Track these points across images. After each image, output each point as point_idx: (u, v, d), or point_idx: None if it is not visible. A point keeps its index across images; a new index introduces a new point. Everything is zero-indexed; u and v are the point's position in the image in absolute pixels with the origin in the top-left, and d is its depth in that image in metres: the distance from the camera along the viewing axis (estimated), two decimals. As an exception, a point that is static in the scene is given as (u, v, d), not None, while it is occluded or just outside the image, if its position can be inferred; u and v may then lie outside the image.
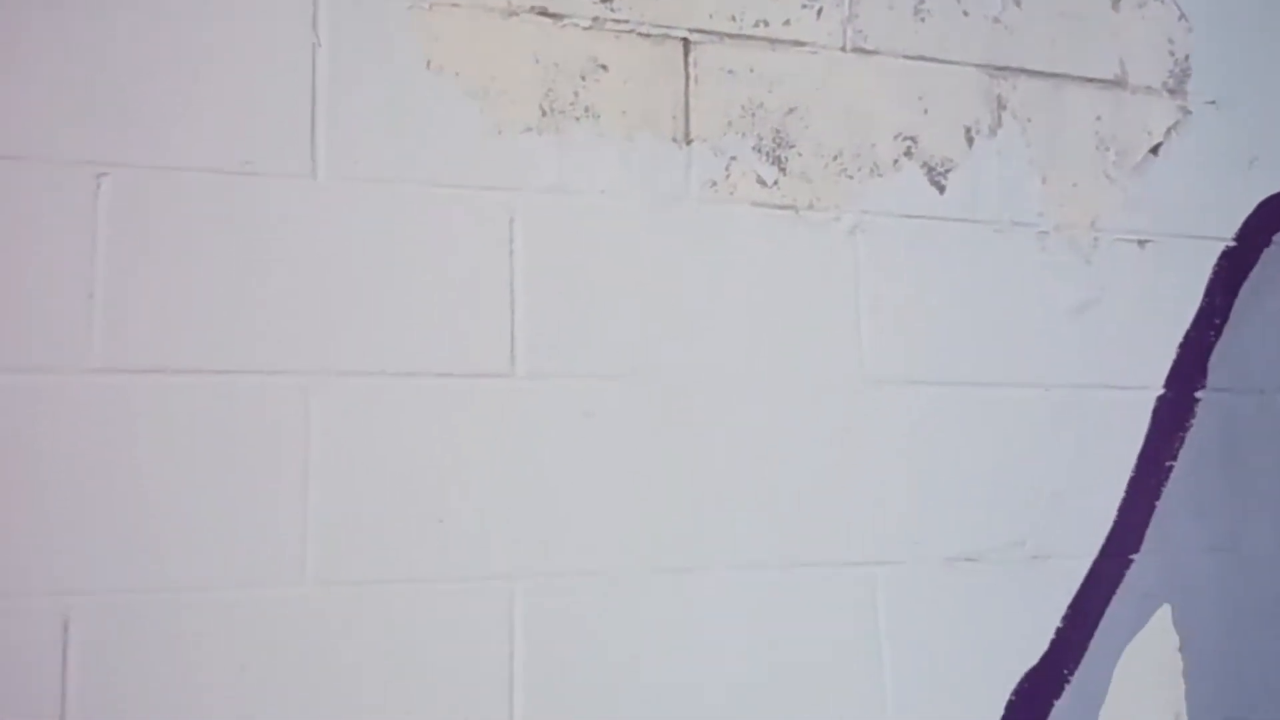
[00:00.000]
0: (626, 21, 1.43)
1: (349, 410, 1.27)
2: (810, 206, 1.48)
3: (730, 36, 1.48)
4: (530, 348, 1.34)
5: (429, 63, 1.36)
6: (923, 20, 1.56)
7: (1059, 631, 1.49)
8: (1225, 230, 1.69)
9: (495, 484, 1.30)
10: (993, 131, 1.57)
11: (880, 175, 1.52)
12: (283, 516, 1.22)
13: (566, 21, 1.41)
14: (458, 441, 1.30)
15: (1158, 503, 1.57)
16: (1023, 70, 1.60)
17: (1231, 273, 1.68)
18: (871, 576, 1.42)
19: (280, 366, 1.26)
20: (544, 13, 1.41)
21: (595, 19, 1.42)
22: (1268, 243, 1.71)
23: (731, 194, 1.45)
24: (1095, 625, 1.51)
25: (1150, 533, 1.56)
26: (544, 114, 1.39)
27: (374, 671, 1.21)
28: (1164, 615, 1.54)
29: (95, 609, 1.14)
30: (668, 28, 1.45)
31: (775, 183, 1.47)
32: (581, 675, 1.28)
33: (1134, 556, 1.55)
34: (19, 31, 1.21)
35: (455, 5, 1.38)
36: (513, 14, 1.39)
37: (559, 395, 1.34)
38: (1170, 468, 1.59)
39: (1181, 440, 1.61)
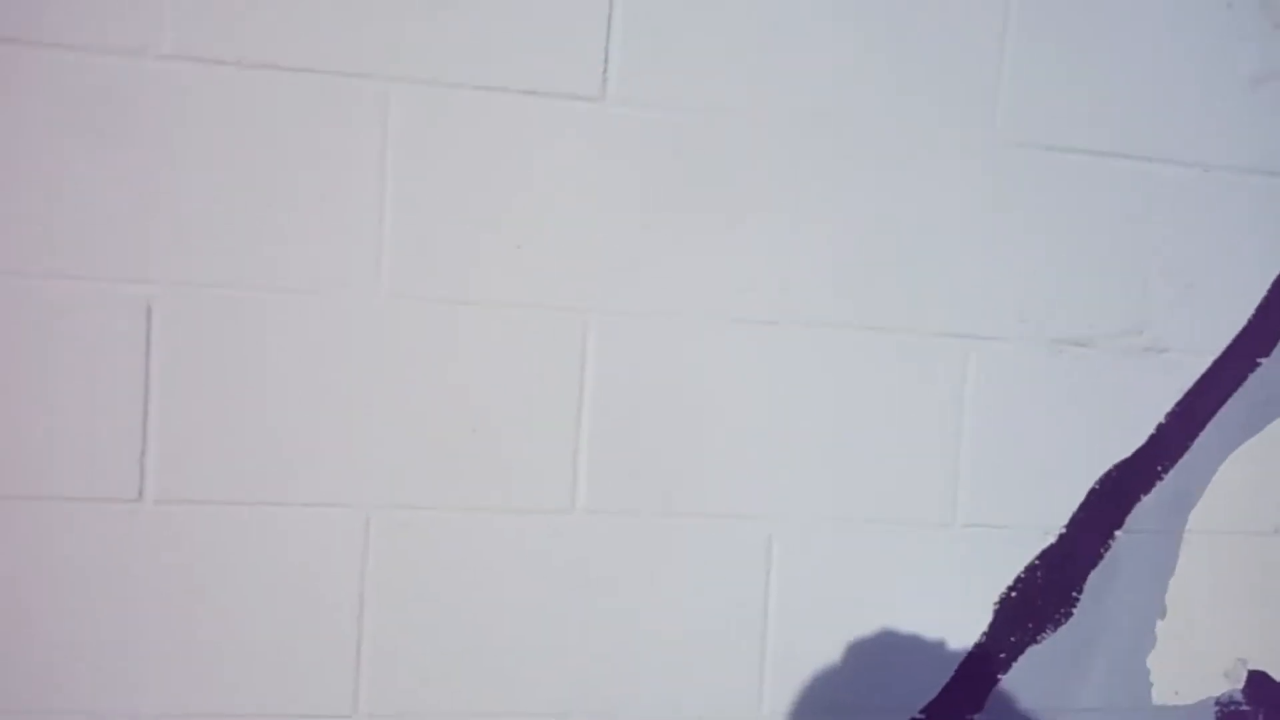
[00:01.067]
0: None
1: (431, 121, 1.20)
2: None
3: None
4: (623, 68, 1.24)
5: None
6: None
7: (1160, 427, 1.40)
8: None
9: (583, 206, 1.24)
10: None
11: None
12: (360, 226, 1.19)
13: None
14: (546, 162, 1.23)
15: (1303, 305, 1.43)
16: None
17: None
18: (965, 349, 1.34)
19: (358, 69, 1.19)
20: None
21: None
22: None
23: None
24: (1203, 425, 1.41)
25: (1287, 336, 1.43)
26: None
27: (440, 383, 1.21)
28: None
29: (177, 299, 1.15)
30: None
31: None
32: (649, 407, 1.26)
33: (1262, 360, 1.43)
34: None
35: None
36: None
37: (650, 124, 1.25)
38: (1326, 269, 1.43)
39: (1346, 238, 1.43)
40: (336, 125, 1.17)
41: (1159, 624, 1.42)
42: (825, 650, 1.32)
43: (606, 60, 1.22)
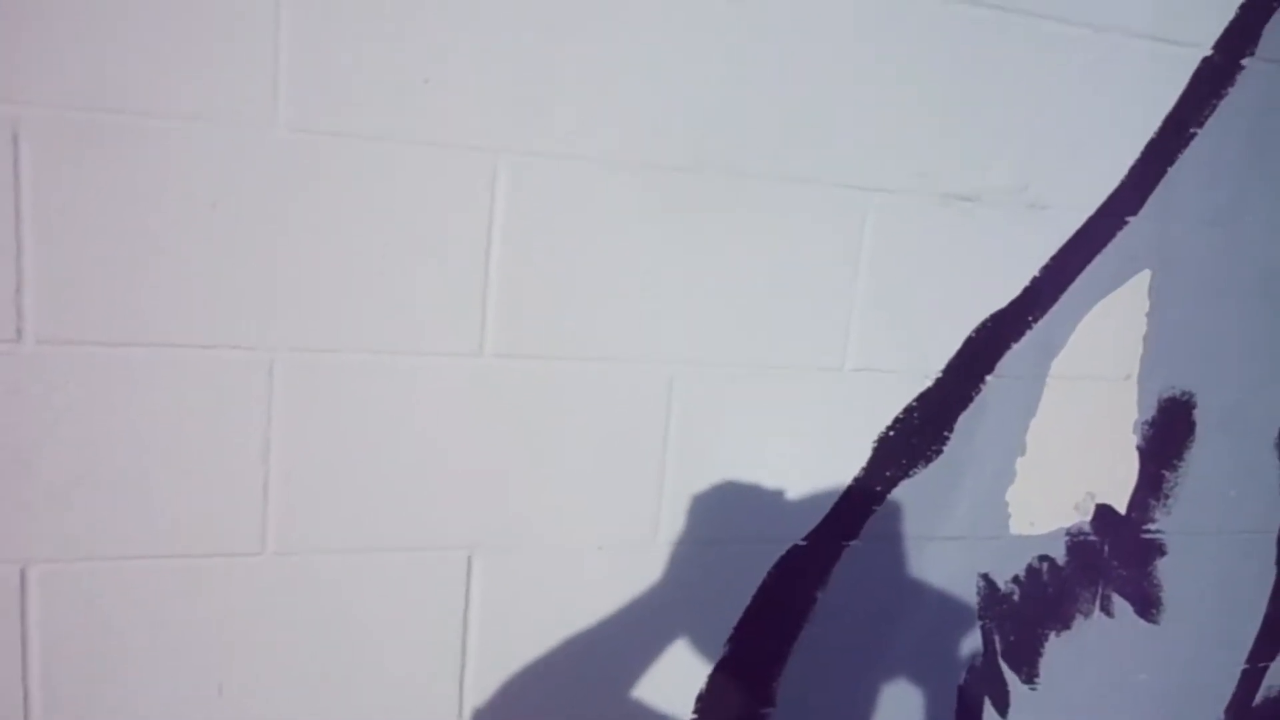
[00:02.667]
0: None
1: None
2: None
3: None
4: None
5: None
6: None
7: (1034, 280, 1.49)
8: None
9: (486, 50, 1.19)
10: None
11: None
12: (256, 58, 1.11)
13: None
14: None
15: (1170, 169, 1.52)
16: None
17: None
18: (864, 201, 1.38)
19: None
20: None
21: None
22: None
23: None
24: (1072, 278, 1.51)
25: (1154, 198, 1.52)
26: None
27: (339, 217, 1.18)
28: (1142, 279, 1.55)
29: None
30: None
31: None
32: (558, 254, 1.26)
33: (1130, 218, 1.52)
34: None
35: None
36: None
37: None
38: (1193, 135, 1.52)
39: (1213, 108, 1.52)
40: None
41: (1019, 461, 1.55)
42: (719, 484, 1.39)
43: None
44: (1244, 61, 1.53)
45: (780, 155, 1.32)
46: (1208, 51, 1.50)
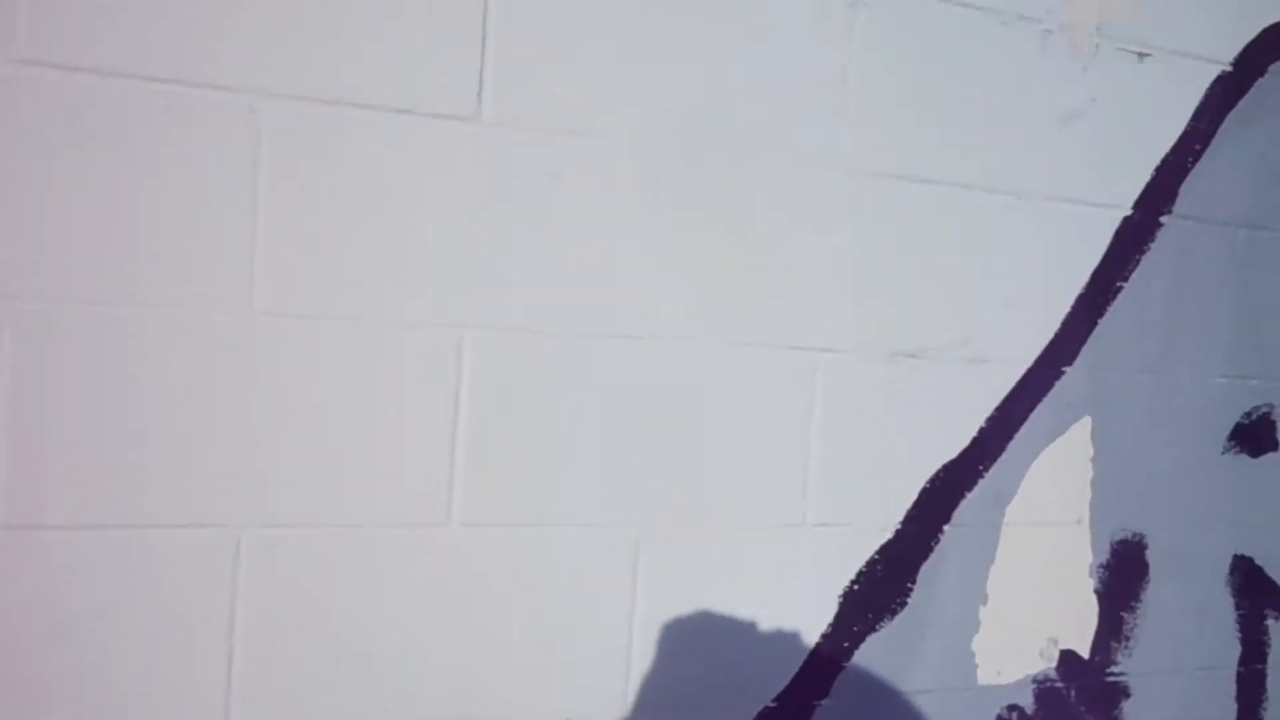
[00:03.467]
0: None
1: (298, 139, 1.18)
2: (813, -30, 1.37)
3: None
4: (499, 90, 1.25)
5: None
6: None
7: (981, 430, 1.54)
8: (1225, 54, 1.63)
9: (458, 233, 1.25)
10: (1015, -89, 1.46)
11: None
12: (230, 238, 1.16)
13: None
14: (417, 185, 1.24)
15: (1100, 320, 1.60)
16: None
17: (1223, 98, 1.64)
18: (814, 362, 1.43)
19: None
20: None
21: None
22: (1263, 71, 1.66)
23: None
24: (1017, 428, 1.57)
25: (1087, 348, 1.60)
26: None
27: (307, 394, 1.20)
28: (1084, 426, 1.61)
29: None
30: None
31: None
32: (522, 421, 1.29)
33: (1066, 369, 1.59)
34: None
35: None
36: None
37: (526, 149, 1.27)
38: (1120, 288, 1.61)
39: (1137, 262, 1.62)
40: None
41: (981, 609, 1.57)
42: (686, 648, 1.39)
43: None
44: (1162, 219, 1.64)
45: (729, 321, 1.38)
46: (1128, 211, 1.61)
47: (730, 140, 1.35)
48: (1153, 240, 1.63)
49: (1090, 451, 1.62)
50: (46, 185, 1.08)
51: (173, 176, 1.11)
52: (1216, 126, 1.63)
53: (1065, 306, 1.58)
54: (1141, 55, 1.58)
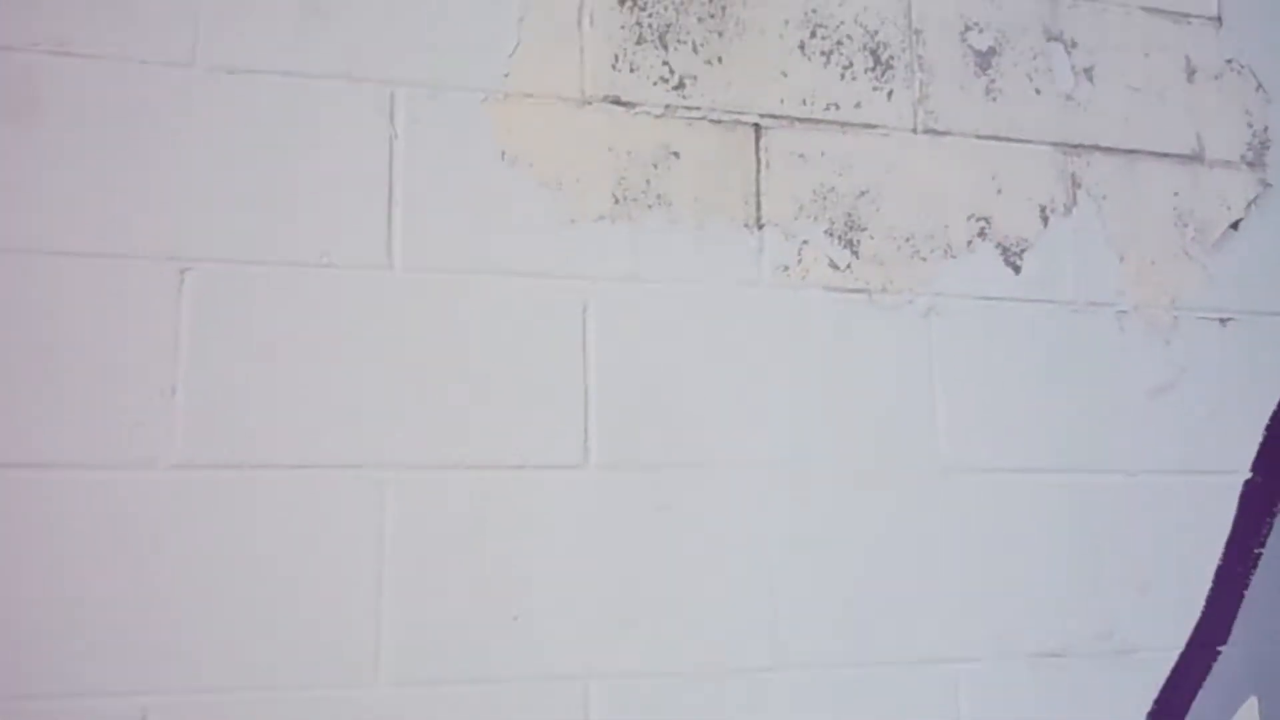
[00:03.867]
0: (698, 109, 1.44)
1: (424, 503, 1.27)
2: (884, 289, 1.47)
3: (801, 121, 1.47)
4: (604, 437, 1.33)
5: (503, 153, 1.37)
6: (994, 100, 1.55)
7: (1145, 728, 1.44)
8: (1310, 307, 1.65)
9: (570, 578, 1.29)
10: (1068, 210, 1.55)
11: (954, 256, 1.50)
12: (360, 622, 1.21)
13: (639, 110, 1.42)
14: (533, 531, 1.29)
15: (1246, 592, 1.52)
16: (1096, 147, 1.58)
17: (1319, 351, 1.63)
18: (953, 675, 1.38)
19: (356, 460, 1.26)
20: (617, 101, 1.41)
21: (668, 106, 1.43)
22: (1353, 317, 1.66)
23: (804, 278, 1.44)
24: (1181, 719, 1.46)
25: (1239, 623, 1.51)
26: (617, 202, 1.40)
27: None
28: (1250, 707, 1.49)
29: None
30: (739, 113, 1.45)
31: (848, 266, 1.46)
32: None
33: (1222, 648, 1.50)
34: (103, 130, 1.24)
35: (529, 96, 1.39)
36: (586, 103, 1.40)
37: (633, 487, 1.33)
38: (1259, 555, 1.54)
39: (1270, 526, 1.56)
40: (334, 518, 1.22)
41: None
42: None
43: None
44: (1285, 475, 1.59)
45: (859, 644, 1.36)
46: (1247, 474, 1.57)
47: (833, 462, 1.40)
48: (1281, 501, 1.57)
49: (1267, 737, 1.49)
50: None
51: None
52: (1319, 379, 1.62)
53: (1205, 582, 1.51)
54: (1224, 320, 1.60)
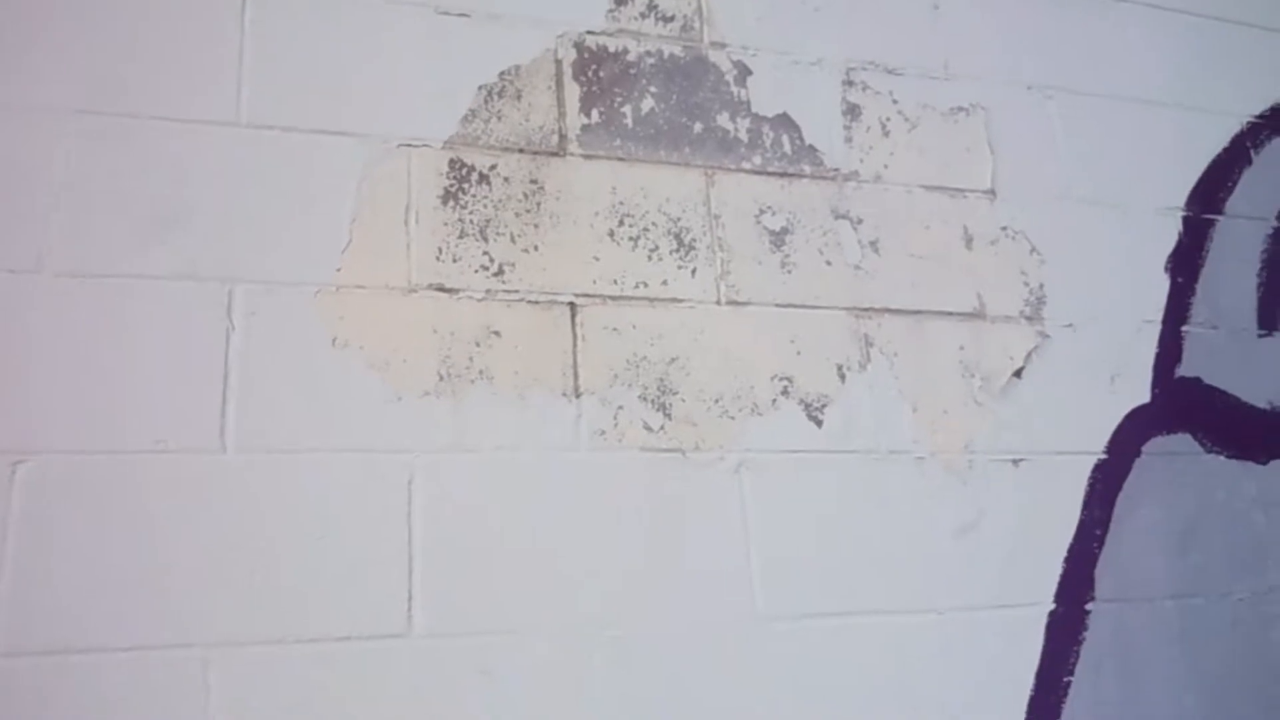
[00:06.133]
0: (517, 291, 1.58)
1: (250, 681, 1.30)
2: (696, 448, 1.58)
3: (613, 299, 1.62)
4: (427, 606, 1.40)
5: (335, 339, 1.48)
6: (789, 272, 1.72)
7: None
8: (1095, 444, 1.80)
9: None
10: (862, 367, 1.71)
11: (760, 414, 1.63)
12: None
13: (462, 295, 1.55)
14: (360, 700, 1.33)
15: None
16: (886, 309, 1.75)
17: (1106, 485, 1.77)
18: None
19: (183, 639, 1.30)
20: (441, 289, 1.55)
21: (488, 291, 1.57)
22: (1138, 453, 1.81)
23: (620, 440, 1.55)
24: None
25: (1057, 758, 1.58)
26: (441, 379, 1.51)
27: None
28: None
29: None
30: (554, 294, 1.60)
31: (661, 428, 1.58)
32: None
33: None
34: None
35: (360, 287, 1.52)
36: (412, 291, 1.54)
37: (456, 653, 1.39)
38: (1069, 683, 1.63)
39: (1077, 654, 1.65)
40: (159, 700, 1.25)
41: None
42: None
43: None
44: (1088, 606, 1.70)
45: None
46: (1050, 605, 1.67)
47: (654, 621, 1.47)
48: (1085, 629, 1.67)
49: None
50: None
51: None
52: (1109, 511, 1.75)
53: (1019, 713, 1.59)
54: (1016, 461, 1.74)
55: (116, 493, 1.34)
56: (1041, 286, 1.87)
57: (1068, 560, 1.70)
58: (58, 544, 1.30)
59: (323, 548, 1.38)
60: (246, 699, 1.30)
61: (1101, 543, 1.73)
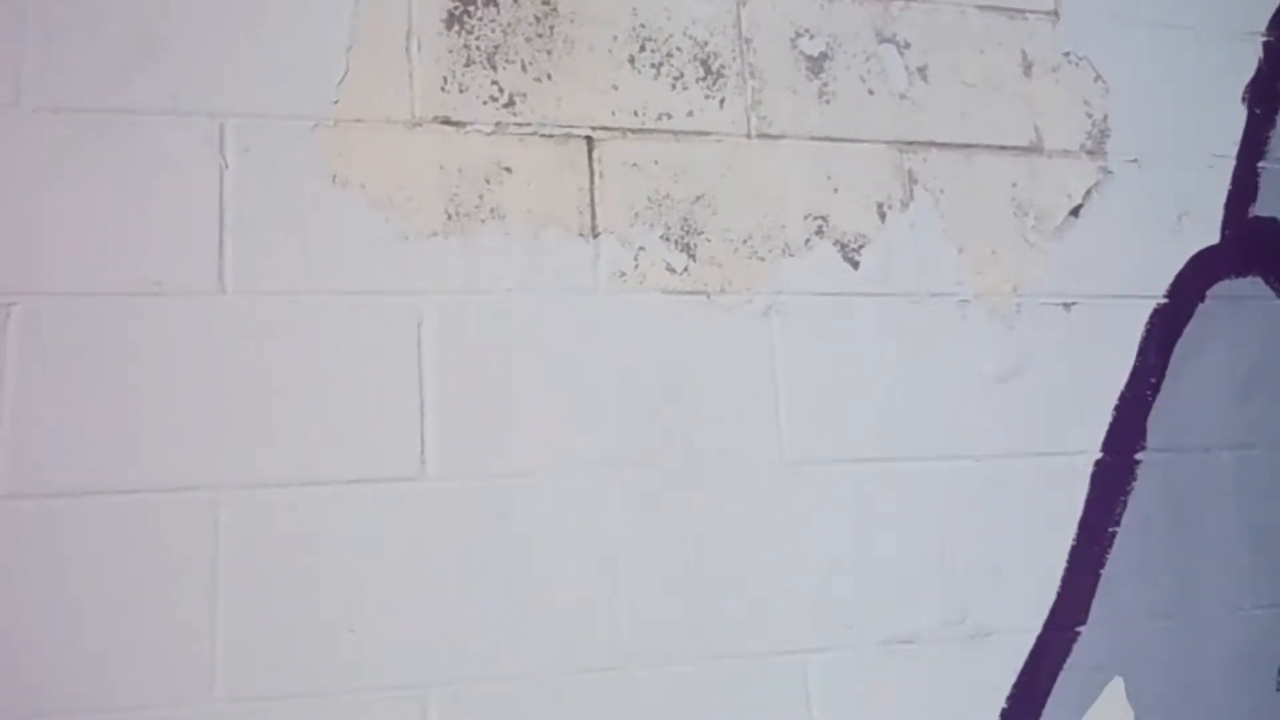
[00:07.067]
0: (529, 124, 1.47)
1: (260, 522, 1.27)
2: (722, 290, 1.49)
3: (634, 131, 1.50)
4: (440, 449, 1.34)
5: (335, 177, 1.39)
6: (827, 102, 1.58)
7: (1004, 713, 1.44)
8: (1155, 288, 1.67)
9: (407, 589, 1.29)
10: (905, 205, 1.58)
11: (792, 255, 1.52)
12: (193, 633, 1.21)
13: (470, 129, 1.45)
14: (372, 543, 1.30)
15: (1103, 570, 1.53)
16: (933, 144, 1.61)
17: (1165, 330, 1.65)
18: (802, 664, 1.38)
19: (190, 482, 1.27)
20: (447, 121, 1.44)
21: (498, 124, 1.46)
22: (1202, 298, 1.68)
23: (641, 283, 1.46)
24: (1043, 704, 1.46)
25: (1097, 603, 1.52)
26: (450, 218, 1.42)
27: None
28: (1116, 688, 1.49)
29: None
30: (570, 127, 1.48)
31: (685, 269, 1.48)
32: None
33: (1081, 629, 1.50)
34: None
35: (359, 121, 1.41)
36: (416, 124, 1.43)
37: (471, 496, 1.34)
38: (1114, 534, 1.55)
39: (1124, 504, 1.57)
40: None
41: None
42: None
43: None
44: (1138, 456, 1.60)
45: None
46: (1098, 454, 1.58)
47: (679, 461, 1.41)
48: (1134, 479, 1.58)
49: (1131, 715, 1.48)
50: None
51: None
52: (1167, 358, 1.64)
53: (1060, 563, 1.52)
54: (1068, 305, 1.62)
55: (113, 335, 1.28)
56: (1105, 118, 1.71)
57: (1118, 408, 1.60)
58: (55, 387, 1.25)
59: (329, 391, 1.33)
60: (256, 539, 1.27)
61: (1156, 391, 1.62)
